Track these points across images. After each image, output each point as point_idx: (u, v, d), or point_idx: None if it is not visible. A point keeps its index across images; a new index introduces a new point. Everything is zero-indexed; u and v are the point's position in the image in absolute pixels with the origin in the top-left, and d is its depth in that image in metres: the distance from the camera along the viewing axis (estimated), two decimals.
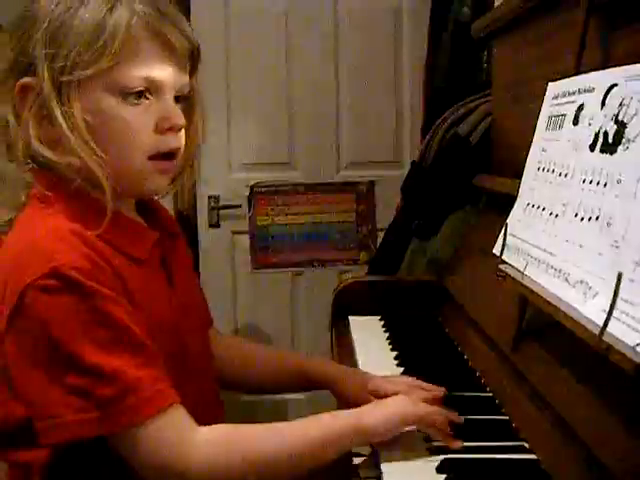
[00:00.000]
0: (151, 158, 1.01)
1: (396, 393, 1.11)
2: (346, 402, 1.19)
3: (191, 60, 1.05)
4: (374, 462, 0.99)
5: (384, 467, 0.96)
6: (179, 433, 0.94)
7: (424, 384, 1.16)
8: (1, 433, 0.99)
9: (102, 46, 0.94)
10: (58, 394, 0.89)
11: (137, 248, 1.02)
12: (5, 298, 0.92)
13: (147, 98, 0.99)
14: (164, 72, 1.00)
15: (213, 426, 0.98)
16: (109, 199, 0.97)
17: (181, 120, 1.02)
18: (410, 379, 1.19)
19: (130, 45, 0.96)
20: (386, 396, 1.11)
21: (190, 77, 1.06)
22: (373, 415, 1.00)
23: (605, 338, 0.77)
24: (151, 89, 0.99)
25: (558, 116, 1.07)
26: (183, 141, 1.05)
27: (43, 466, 0.96)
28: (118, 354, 0.90)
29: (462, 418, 1.05)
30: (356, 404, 1.11)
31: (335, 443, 0.99)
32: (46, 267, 0.89)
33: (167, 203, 1.19)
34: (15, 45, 0.98)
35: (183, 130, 1.05)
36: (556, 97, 1.11)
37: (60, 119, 0.94)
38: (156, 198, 1.17)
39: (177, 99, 1.04)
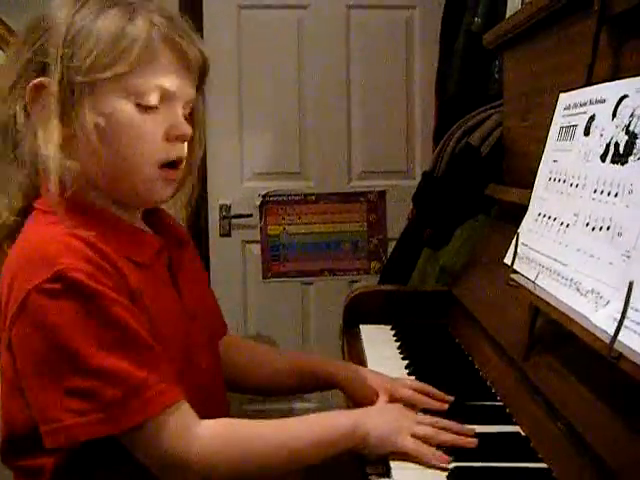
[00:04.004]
0: (160, 167, 1.02)
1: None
2: (355, 401, 1.22)
3: (200, 74, 1.07)
4: (385, 470, 0.99)
5: (395, 475, 0.97)
6: (182, 429, 0.95)
7: (432, 390, 1.19)
8: (10, 441, 1.00)
9: (121, 51, 0.95)
10: (61, 398, 0.90)
11: (140, 253, 1.03)
12: (9, 303, 0.93)
13: (157, 107, 1.00)
14: (177, 82, 1.01)
15: (216, 420, 1.00)
16: (107, 200, 0.99)
17: (189, 130, 1.04)
18: (418, 385, 1.22)
19: (148, 54, 0.97)
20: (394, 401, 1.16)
21: (197, 90, 1.08)
22: (373, 432, 1.02)
23: (616, 347, 0.78)
24: (163, 99, 1.01)
25: (569, 127, 1.08)
26: (186, 151, 1.06)
27: (53, 471, 0.97)
28: (122, 355, 0.91)
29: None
30: (364, 404, 1.17)
31: (333, 445, 1.02)
32: (50, 271, 0.90)
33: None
34: (31, 45, 0.99)
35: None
36: (567, 108, 1.11)
37: (71, 120, 0.96)
38: (161, 206, 1.18)
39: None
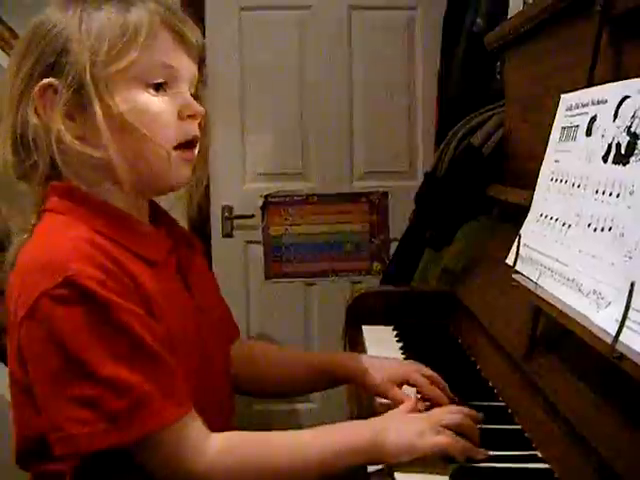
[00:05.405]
0: (176, 148, 1.03)
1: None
2: (372, 392, 1.22)
3: (199, 57, 1.08)
4: (388, 470, 0.99)
5: (398, 476, 0.96)
6: (192, 442, 0.94)
7: (443, 383, 1.20)
8: (25, 445, 0.99)
9: (129, 40, 0.97)
10: (66, 406, 0.89)
11: (152, 251, 1.03)
12: (18, 307, 0.92)
13: (165, 90, 1.02)
14: (180, 61, 1.03)
15: (226, 434, 0.98)
16: (127, 191, 0.99)
17: (201, 108, 1.05)
18: (431, 373, 1.22)
19: (151, 37, 0.99)
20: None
21: (199, 72, 1.09)
22: (394, 439, 0.98)
23: (618, 347, 0.78)
24: (169, 80, 1.02)
25: (571, 127, 1.08)
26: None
27: (72, 475, 0.96)
28: (131, 366, 0.90)
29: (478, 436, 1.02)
30: (381, 394, 1.19)
31: (348, 458, 0.98)
32: (60, 276, 0.89)
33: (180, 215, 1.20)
34: (35, 48, 0.99)
35: None
36: (569, 108, 1.11)
37: (99, 112, 0.96)
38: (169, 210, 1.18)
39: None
